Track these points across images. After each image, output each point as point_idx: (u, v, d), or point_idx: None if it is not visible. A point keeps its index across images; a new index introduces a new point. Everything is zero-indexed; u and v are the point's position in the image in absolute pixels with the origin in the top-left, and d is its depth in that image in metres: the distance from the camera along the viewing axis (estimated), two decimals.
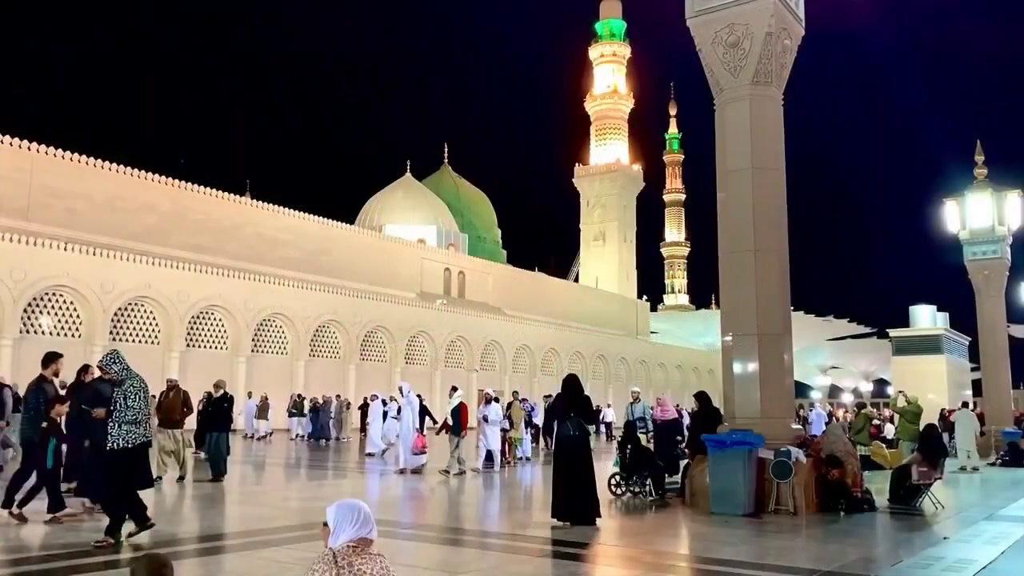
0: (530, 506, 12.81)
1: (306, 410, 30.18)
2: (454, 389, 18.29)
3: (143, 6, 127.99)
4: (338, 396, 31.75)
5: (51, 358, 9.95)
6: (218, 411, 14.96)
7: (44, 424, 9.42)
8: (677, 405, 20.14)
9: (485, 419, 17.87)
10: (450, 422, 17.05)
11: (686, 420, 18.46)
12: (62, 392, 10.70)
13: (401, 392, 17.88)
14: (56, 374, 10.03)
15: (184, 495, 12.90)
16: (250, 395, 31.28)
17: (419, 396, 18.69)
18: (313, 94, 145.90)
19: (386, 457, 21.32)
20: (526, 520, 11.01)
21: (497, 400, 18.55)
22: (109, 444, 7.90)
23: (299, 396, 32.28)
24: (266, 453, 23.53)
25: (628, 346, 65.50)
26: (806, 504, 10.66)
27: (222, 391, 15.13)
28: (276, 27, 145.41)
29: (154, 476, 12.69)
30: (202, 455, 16.38)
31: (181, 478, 13.90)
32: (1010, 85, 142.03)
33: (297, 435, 30.19)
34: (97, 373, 10.56)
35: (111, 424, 7.98)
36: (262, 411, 29.68)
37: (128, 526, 8.07)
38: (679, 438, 15.10)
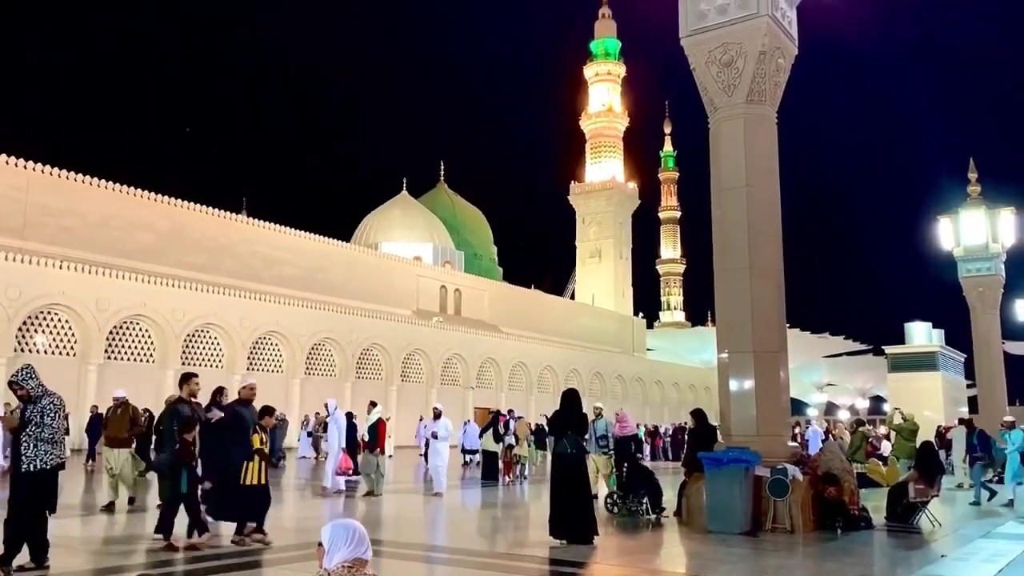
0: (527, 524, 12.75)
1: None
2: (373, 404, 17.02)
3: (139, 25, 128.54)
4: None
5: (186, 378, 9.59)
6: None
7: (176, 447, 9.10)
8: (638, 424, 19.85)
9: (434, 436, 17.05)
10: (366, 438, 16.11)
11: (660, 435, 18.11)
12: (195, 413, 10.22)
13: (327, 409, 17.12)
14: (192, 395, 9.55)
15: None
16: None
17: (349, 414, 17.99)
18: (310, 112, 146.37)
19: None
20: (523, 539, 10.97)
21: (441, 416, 17.71)
22: (24, 465, 7.36)
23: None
24: None
25: (624, 363, 65.43)
26: (803, 522, 10.64)
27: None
28: (273, 44, 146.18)
29: (107, 502, 12.40)
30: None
31: (132, 499, 12.86)
32: (1003, 102, 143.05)
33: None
34: (233, 395, 10.46)
35: (25, 444, 7.40)
36: None
37: (22, 558, 7.41)
38: (639, 455, 14.98)
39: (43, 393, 7.54)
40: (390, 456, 29.56)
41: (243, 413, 9.61)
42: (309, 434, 30.59)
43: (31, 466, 7.32)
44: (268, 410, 10.13)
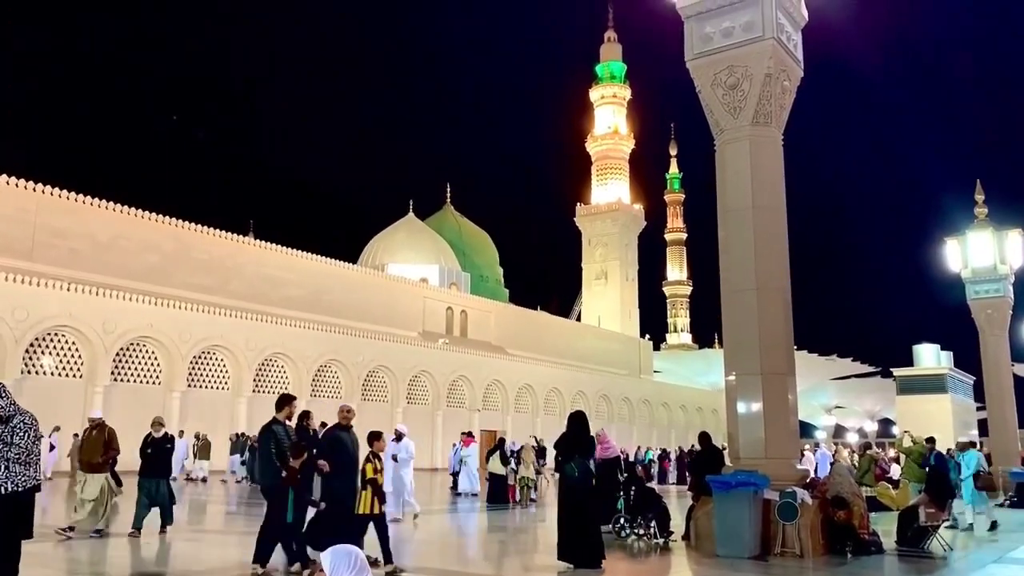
0: (534, 548, 12.63)
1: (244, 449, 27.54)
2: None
3: (142, 48, 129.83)
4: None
5: (285, 400, 9.20)
6: (159, 453, 12.70)
7: (284, 474, 8.70)
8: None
9: (394, 459, 15.90)
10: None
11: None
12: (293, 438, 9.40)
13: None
14: (289, 417, 9.18)
15: (157, 548, 11.29)
16: (182, 434, 28.56)
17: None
18: (316, 134, 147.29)
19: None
20: (530, 563, 10.86)
21: (404, 437, 16.25)
22: None
23: (240, 434, 29.95)
24: (207, 497, 21.66)
25: (631, 386, 65.19)
26: (813, 546, 10.51)
27: (164, 431, 12.96)
28: (280, 67, 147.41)
29: (67, 525, 11.74)
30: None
31: (99, 531, 11.80)
32: (1009, 123, 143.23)
33: (243, 477, 27.24)
34: (318, 419, 9.97)
35: None
36: (203, 450, 27.81)
37: None
38: (619, 477, 14.55)
39: (15, 412, 7.08)
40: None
41: (343, 439, 9.20)
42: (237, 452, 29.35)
43: (2, 489, 6.74)
44: (376, 435, 9.53)
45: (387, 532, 8.94)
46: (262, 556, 8.65)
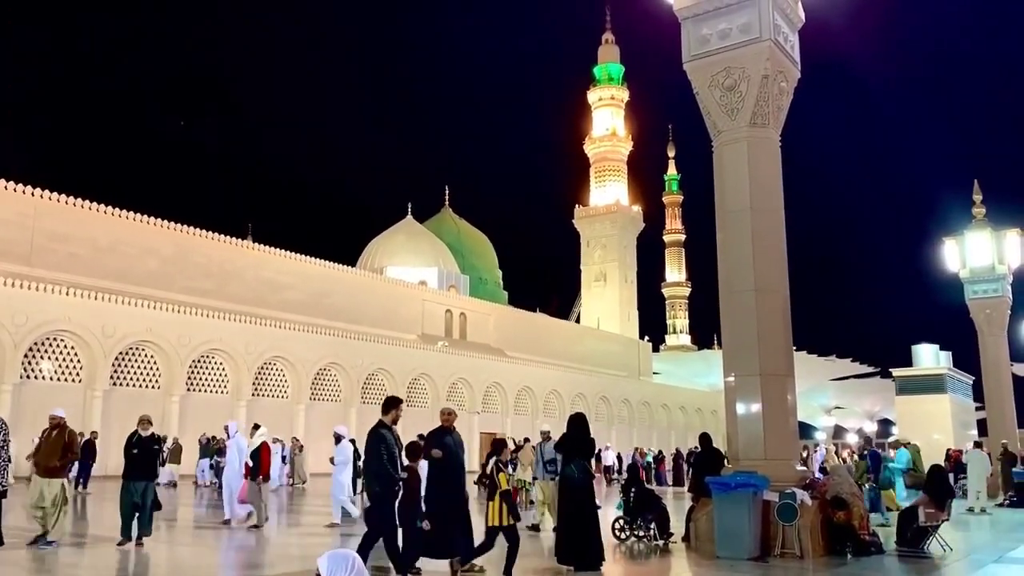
0: (533, 551, 12.61)
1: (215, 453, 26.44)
2: (256, 427, 15.41)
3: (140, 49, 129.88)
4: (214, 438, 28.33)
5: (393, 403, 8.93)
6: (145, 454, 11.59)
7: (402, 477, 8.55)
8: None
9: (331, 462, 15.44)
10: (250, 464, 14.32)
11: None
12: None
13: (227, 432, 15.48)
14: (395, 421, 8.83)
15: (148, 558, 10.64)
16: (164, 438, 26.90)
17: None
18: (315, 137, 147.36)
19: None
20: (529, 565, 10.85)
21: (342, 439, 15.66)
22: None
23: (211, 438, 28.76)
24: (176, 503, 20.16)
25: (631, 387, 65.16)
26: (813, 547, 10.51)
27: (151, 430, 11.86)
28: (275, 70, 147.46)
29: (40, 534, 11.00)
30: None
31: (44, 536, 10.93)
32: (1007, 123, 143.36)
33: (211, 481, 26.37)
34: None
35: None
36: (173, 454, 26.83)
37: None
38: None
39: None
40: (303, 483, 28.43)
41: (448, 443, 8.86)
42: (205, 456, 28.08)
43: None
44: (501, 442, 9.21)
45: (517, 546, 8.70)
46: (404, 563, 8.44)
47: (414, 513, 8.62)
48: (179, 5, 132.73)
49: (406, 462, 8.91)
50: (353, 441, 17.13)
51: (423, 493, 8.94)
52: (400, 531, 8.66)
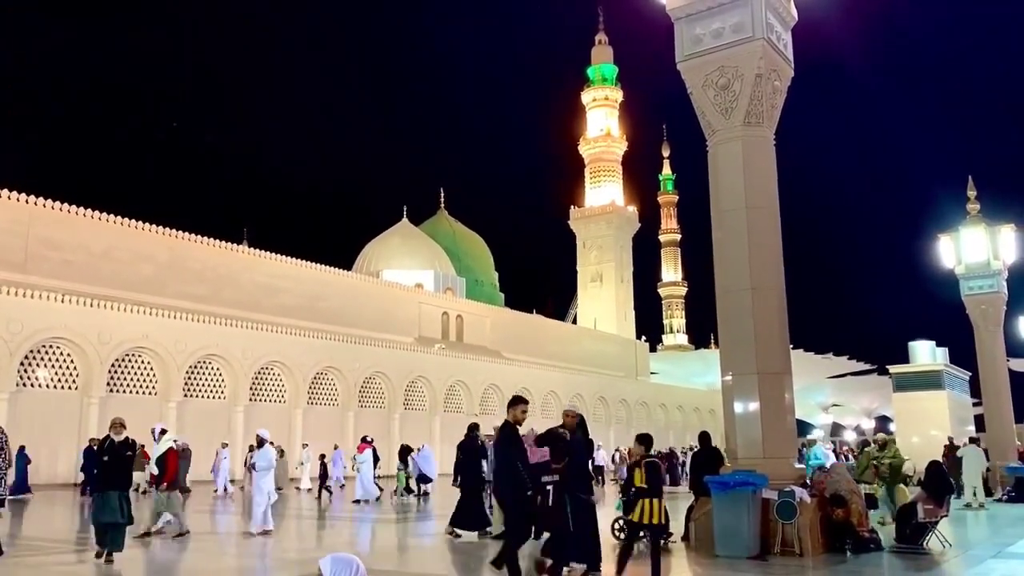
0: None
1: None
2: (163, 432, 14.49)
3: (134, 57, 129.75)
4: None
5: (516, 402, 8.43)
6: (117, 461, 10.79)
7: (553, 479, 8.48)
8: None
9: (253, 468, 14.74)
10: (155, 471, 13.68)
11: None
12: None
13: (154, 435, 14.51)
14: (518, 421, 8.31)
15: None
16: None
17: (225, 446, 15.56)
18: (308, 140, 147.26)
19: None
20: (529, 566, 10.83)
21: (264, 444, 14.67)
22: None
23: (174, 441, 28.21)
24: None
25: (628, 387, 65.19)
26: (812, 544, 10.52)
27: (124, 434, 10.97)
28: (271, 73, 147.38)
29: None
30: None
31: None
32: (1000, 119, 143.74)
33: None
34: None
35: None
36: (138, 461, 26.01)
37: None
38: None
39: None
40: (278, 489, 27.79)
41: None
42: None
43: None
44: (646, 437, 9.09)
45: (660, 552, 8.62)
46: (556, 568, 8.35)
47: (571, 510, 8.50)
48: (173, 8, 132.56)
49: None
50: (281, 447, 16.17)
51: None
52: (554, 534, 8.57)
